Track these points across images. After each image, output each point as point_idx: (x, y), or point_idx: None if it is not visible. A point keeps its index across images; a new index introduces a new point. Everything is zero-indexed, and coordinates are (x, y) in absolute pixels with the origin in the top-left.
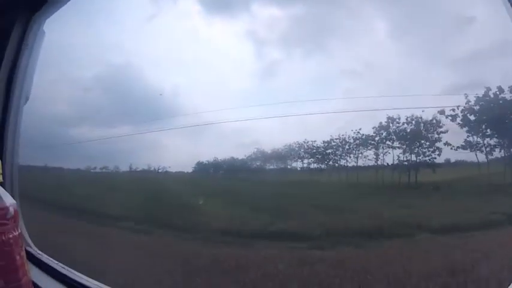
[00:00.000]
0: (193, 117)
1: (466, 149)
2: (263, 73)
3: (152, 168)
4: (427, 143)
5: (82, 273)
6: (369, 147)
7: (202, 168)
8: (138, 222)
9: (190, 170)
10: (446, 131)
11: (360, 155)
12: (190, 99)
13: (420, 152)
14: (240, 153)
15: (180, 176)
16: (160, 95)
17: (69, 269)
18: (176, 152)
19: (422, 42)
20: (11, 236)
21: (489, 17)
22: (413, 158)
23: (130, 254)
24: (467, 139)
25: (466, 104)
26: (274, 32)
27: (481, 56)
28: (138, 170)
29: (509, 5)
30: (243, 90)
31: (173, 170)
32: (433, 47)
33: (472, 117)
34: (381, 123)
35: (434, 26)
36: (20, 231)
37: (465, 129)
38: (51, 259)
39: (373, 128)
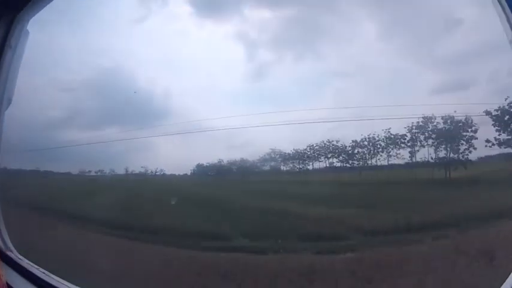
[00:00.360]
0: (184, 119)
1: (502, 145)
2: (254, 75)
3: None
4: (462, 141)
5: (63, 279)
6: (402, 146)
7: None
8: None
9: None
10: (476, 130)
11: (394, 153)
12: (182, 101)
13: (454, 149)
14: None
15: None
16: (135, 92)
17: (49, 274)
18: (174, 154)
19: (411, 43)
20: None
21: (477, 18)
22: (448, 155)
23: None
24: (499, 137)
25: (507, 105)
26: (265, 34)
27: (468, 56)
28: (161, 174)
29: (499, 6)
30: (234, 91)
31: (174, 172)
32: (422, 48)
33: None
34: (418, 122)
35: (424, 27)
36: None
37: (496, 128)
38: (31, 264)
39: (405, 128)
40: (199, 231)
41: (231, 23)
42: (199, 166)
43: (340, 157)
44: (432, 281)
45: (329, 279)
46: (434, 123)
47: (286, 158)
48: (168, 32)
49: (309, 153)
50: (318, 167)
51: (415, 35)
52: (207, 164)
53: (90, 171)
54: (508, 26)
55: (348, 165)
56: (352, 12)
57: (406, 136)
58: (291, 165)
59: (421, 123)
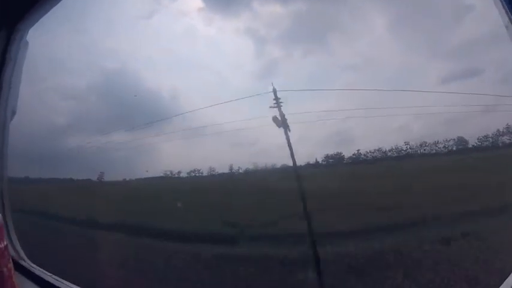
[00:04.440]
0: (193, 119)
1: None
2: (263, 71)
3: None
4: None
5: (76, 285)
6: None
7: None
8: None
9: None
10: None
11: None
12: (190, 101)
13: None
14: None
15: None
16: (135, 96)
17: (62, 280)
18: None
19: (421, 33)
20: None
21: (488, 4)
22: None
23: None
24: None
25: None
26: (275, 29)
27: (477, 44)
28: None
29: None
30: (243, 89)
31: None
32: (431, 38)
33: None
34: None
35: (433, 16)
36: (6, 243)
37: None
38: (44, 271)
39: None
40: None
41: (241, 18)
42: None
43: None
44: None
45: None
46: None
47: None
48: (176, 28)
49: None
50: None
51: (424, 25)
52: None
53: (102, 176)
54: (503, 11)
55: None
56: (361, 5)
57: None
58: None
59: None
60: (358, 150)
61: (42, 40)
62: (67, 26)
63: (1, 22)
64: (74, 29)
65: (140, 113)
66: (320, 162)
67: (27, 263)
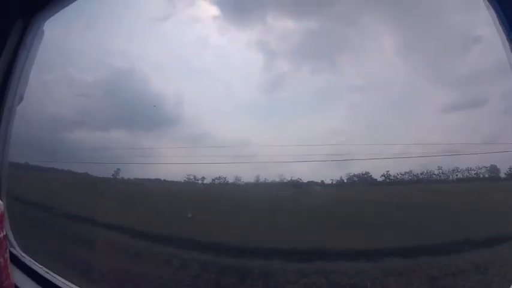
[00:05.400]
0: (195, 126)
1: None
2: (270, 85)
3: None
4: None
5: (65, 279)
6: None
7: None
8: None
9: None
10: None
11: None
12: (194, 108)
13: None
14: None
15: None
16: (154, 106)
17: (52, 273)
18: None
19: (428, 59)
20: None
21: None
22: None
23: None
24: None
25: None
26: (285, 44)
27: (484, 75)
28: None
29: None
30: (248, 101)
31: None
32: (438, 65)
33: None
34: None
35: (442, 44)
36: (5, 233)
37: None
38: (34, 262)
39: None
40: None
41: (254, 30)
42: None
43: None
44: None
45: None
46: None
47: None
48: (189, 34)
49: None
50: None
51: (432, 51)
52: None
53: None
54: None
55: None
56: (372, 28)
57: None
58: None
59: None
60: (387, 171)
61: (56, 34)
62: (81, 22)
63: (19, 13)
64: (88, 26)
65: (144, 115)
66: (323, 180)
67: (18, 252)
